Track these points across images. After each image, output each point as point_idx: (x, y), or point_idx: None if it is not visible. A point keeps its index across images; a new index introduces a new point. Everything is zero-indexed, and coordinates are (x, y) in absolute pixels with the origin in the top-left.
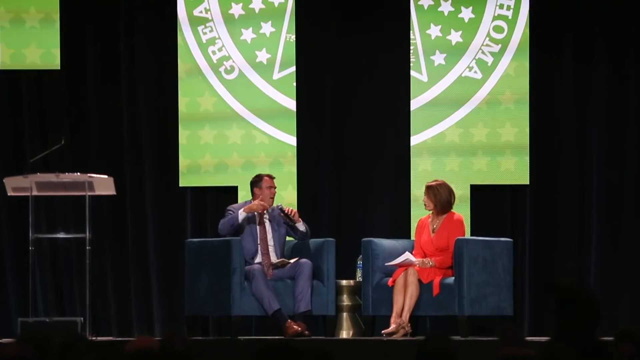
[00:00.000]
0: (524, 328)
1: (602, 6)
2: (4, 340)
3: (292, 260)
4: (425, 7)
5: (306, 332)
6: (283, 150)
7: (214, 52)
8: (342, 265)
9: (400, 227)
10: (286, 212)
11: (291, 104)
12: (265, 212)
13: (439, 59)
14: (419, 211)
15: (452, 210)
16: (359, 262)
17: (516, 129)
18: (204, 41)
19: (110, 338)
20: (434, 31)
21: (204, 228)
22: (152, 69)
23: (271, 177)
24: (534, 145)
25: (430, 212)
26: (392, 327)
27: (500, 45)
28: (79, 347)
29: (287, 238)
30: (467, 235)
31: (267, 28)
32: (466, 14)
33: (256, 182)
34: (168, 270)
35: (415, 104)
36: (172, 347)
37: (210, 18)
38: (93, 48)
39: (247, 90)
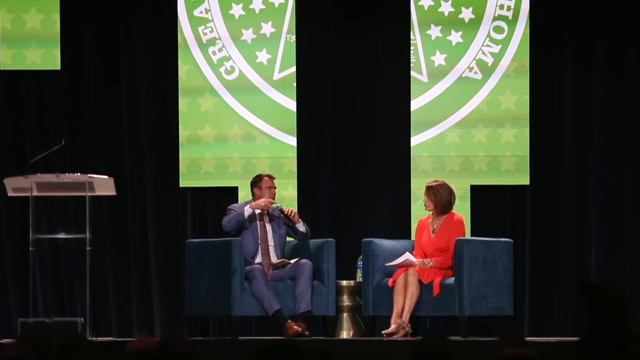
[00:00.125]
0: (524, 328)
1: (602, 6)
2: (4, 340)
3: (292, 261)
4: (426, 7)
5: (306, 332)
6: (283, 150)
7: (214, 53)
8: (343, 265)
9: (400, 228)
10: (286, 213)
11: (291, 104)
12: (266, 212)
13: (439, 59)
14: (419, 211)
15: (452, 210)
16: (359, 263)
17: (516, 129)
18: (204, 42)
19: (111, 338)
20: (434, 31)
21: (205, 228)
22: (152, 69)
23: (271, 177)
24: (534, 146)
25: (431, 212)
26: (393, 327)
27: (500, 46)
28: (79, 348)
29: (288, 238)
30: (467, 236)
31: (267, 28)
32: (466, 14)
33: (256, 182)
34: (168, 271)
35: (415, 104)
36: (173, 348)
37: (210, 18)
38: (93, 48)
39: (248, 90)
